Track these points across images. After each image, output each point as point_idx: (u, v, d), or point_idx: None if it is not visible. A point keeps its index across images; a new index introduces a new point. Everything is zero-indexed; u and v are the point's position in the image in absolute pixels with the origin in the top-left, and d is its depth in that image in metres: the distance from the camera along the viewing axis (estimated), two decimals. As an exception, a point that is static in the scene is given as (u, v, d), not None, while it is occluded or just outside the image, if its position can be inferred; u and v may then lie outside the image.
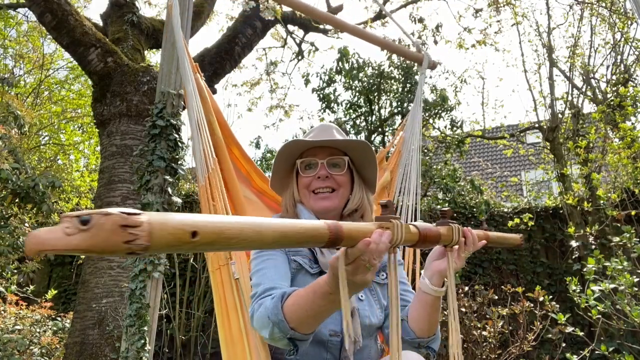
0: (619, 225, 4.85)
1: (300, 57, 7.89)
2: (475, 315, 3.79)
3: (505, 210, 6.55)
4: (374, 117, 9.06)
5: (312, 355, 1.33)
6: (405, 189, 2.19)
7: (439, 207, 6.50)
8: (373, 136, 9.08)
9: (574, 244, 5.01)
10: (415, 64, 8.72)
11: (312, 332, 1.17)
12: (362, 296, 1.40)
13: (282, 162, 1.50)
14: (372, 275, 0.97)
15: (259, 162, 10.33)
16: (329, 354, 1.35)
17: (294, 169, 1.52)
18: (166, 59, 3.04)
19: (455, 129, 8.63)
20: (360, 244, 0.88)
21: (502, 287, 4.14)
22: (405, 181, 2.20)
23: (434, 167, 8.00)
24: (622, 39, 6.93)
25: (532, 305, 3.71)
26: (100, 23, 5.47)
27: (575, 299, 3.13)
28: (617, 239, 3.24)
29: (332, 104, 9.26)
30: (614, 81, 6.90)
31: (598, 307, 2.96)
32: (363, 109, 9.24)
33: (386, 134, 9.05)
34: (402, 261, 1.84)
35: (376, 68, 8.88)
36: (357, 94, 9.18)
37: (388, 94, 9.00)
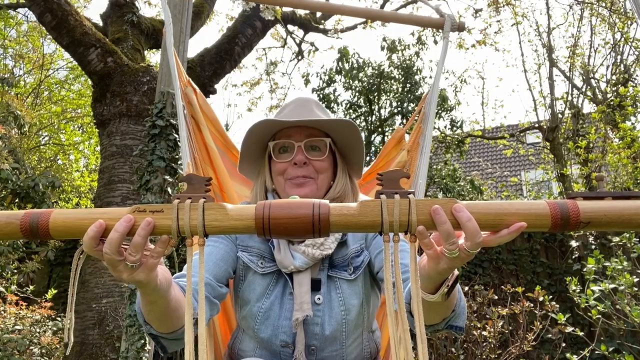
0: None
1: (300, 57, 7.89)
2: (475, 315, 3.78)
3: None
4: (373, 117, 9.07)
5: None
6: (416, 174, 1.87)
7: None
8: (373, 136, 9.08)
9: (574, 244, 5.01)
10: (418, 62, 8.74)
11: (167, 331, 0.99)
12: (319, 298, 1.21)
13: (252, 144, 1.27)
14: (146, 274, 0.78)
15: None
16: None
17: (266, 152, 1.30)
18: (166, 59, 3.04)
19: (455, 129, 8.64)
20: (85, 242, 0.74)
21: (502, 287, 4.14)
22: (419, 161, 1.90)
23: (434, 167, 8.00)
24: (622, 39, 6.93)
25: (532, 305, 3.70)
26: (100, 23, 5.48)
27: (575, 299, 3.13)
28: (617, 239, 3.24)
29: (332, 104, 9.27)
30: (614, 81, 6.90)
31: (598, 307, 2.96)
32: (363, 109, 9.24)
33: (386, 134, 9.05)
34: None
35: (376, 68, 8.89)
36: (357, 94, 9.20)
37: (388, 94, 9.01)
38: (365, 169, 1.93)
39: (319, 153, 1.25)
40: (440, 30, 2.15)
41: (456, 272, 0.88)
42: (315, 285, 1.22)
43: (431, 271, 0.81)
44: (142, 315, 0.98)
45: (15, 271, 5.04)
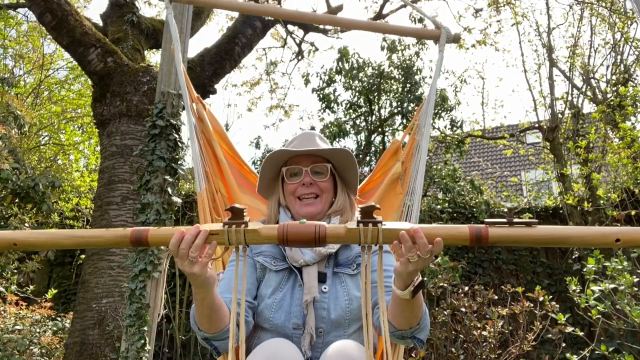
0: (618, 225, 4.84)
1: (300, 57, 7.89)
2: (475, 315, 3.79)
3: (505, 210, 6.55)
4: (373, 117, 9.06)
5: None
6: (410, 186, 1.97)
7: (439, 207, 6.50)
8: (373, 136, 9.08)
9: (574, 244, 5.02)
10: (418, 62, 8.74)
11: (216, 331, 1.31)
12: (325, 288, 1.46)
13: (268, 169, 1.61)
14: (200, 268, 1.14)
15: (258, 162, 10.33)
16: None
17: (279, 176, 1.62)
18: (166, 59, 3.04)
19: (455, 129, 8.62)
20: (171, 242, 1.12)
21: (502, 287, 4.15)
22: (414, 172, 1.98)
23: (434, 167, 8.00)
24: (622, 39, 6.93)
25: (532, 305, 3.71)
26: (100, 23, 5.47)
27: (575, 299, 3.13)
28: (617, 239, 3.23)
29: (332, 104, 9.25)
30: (614, 81, 6.90)
31: (598, 307, 2.96)
32: (363, 109, 9.23)
33: (386, 134, 9.05)
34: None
35: (376, 68, 8.87)
36: (357, 94, 9.17)
37: (388, 94, 9.00)
38: (368, 174, 1.98)
39: (322, 176, 1.56)
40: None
41: (420, 277, 1.20)
42: (322, 278, 1.47)
43: (402, 272, 1.16)
44: (197, 324, 1.32)
45: (15, 271, 5.04)
